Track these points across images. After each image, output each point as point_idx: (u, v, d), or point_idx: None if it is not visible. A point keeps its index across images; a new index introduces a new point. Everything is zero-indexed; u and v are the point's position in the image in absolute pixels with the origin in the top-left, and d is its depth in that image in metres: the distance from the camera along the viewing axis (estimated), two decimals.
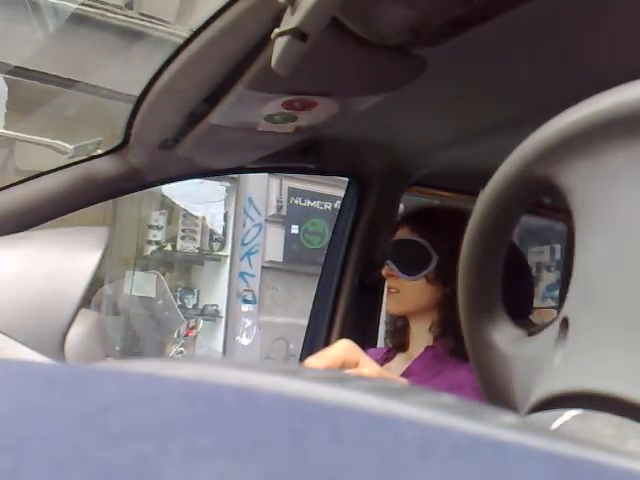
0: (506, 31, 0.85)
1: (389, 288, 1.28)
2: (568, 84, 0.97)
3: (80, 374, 0.20)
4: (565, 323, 0.38)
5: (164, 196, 6.35)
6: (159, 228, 6.25)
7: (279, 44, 0.66)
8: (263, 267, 6.23)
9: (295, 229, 6.21)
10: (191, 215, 6.32)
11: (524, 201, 0.44)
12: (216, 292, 6.38)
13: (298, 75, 0.73)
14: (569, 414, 0.34)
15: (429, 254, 1.22)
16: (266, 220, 6.31)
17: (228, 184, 6.29)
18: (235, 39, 0.85)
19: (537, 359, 0.41)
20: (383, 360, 1.33)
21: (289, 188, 6.11)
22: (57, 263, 0.62)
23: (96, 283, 6.62)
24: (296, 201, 6.19)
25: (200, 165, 1.35)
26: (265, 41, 0.78)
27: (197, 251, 6.28)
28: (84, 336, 0.65)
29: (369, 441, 0.15)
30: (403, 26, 0.79)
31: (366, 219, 1.58)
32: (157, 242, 6.28)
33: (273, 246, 6.27)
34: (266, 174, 5.88)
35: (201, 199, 6.34)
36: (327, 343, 1.55)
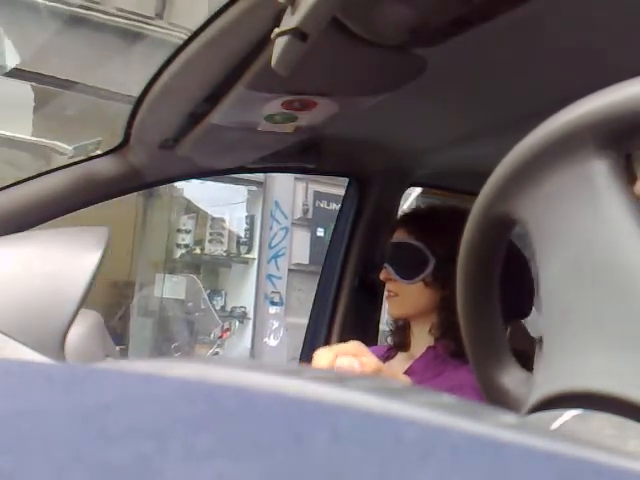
0: (506, 31, 0.85)
1: (388, 292, 1.27)
2: (568, 84, 0.97)
3: (80, 374, 0.20)
4: (540, 341, 0.41)
5: (189, 200, 6.51)
6: (187, 232, 6.43)
7: (279, 44, 0.66)
8: (290, 269, 6.34)
9: (321, 232, 6.30)
10: (219, 219, 6.48)
11: (499, 239, 0.45)
12: (243, 294, 6.53)
13: (298, 75, 0.73)
14: (569, 414, 0.34)
15: (426, 257, 1.21)
16: (292, 223, 6.44)
17: (254, 188, 6.46)
18: (235, 39, 0.85)
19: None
20: (384, 358, 1.33)
21: (315, 192, 6.22)
22: (57, 263, 0.62)
23: (129, 286, 6.74)
24: (321, 204, 6.30)
25: (200, 165, 1.35)
26: (265, 41, 0.78)
27: (225, 254, 6.43)
28: (84, 336, 0.65)
29: (369, 441, 0.15)
30: (403, 26, 0.79)
31: (366, 219, 1.58)
32: (186, 245, 6.45)
33: (299, 249, 6.38)
34: (292, 178, 6.07)
35: (223, 202, 6.49)
36: (327, 343, 1.55)
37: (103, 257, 0.60)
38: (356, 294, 1.58)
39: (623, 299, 0.34)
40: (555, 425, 0.34)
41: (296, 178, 6.08)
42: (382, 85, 0.98)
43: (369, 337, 1.60)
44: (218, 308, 6.27)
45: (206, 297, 6.12)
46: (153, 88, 1.03)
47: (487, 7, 0.76)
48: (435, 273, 1.20)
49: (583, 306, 0.37)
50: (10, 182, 1.22)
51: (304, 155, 1.44)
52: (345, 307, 1.58)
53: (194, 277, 6.30)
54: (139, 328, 6.51)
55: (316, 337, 1.60)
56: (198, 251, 6.38)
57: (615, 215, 0.35)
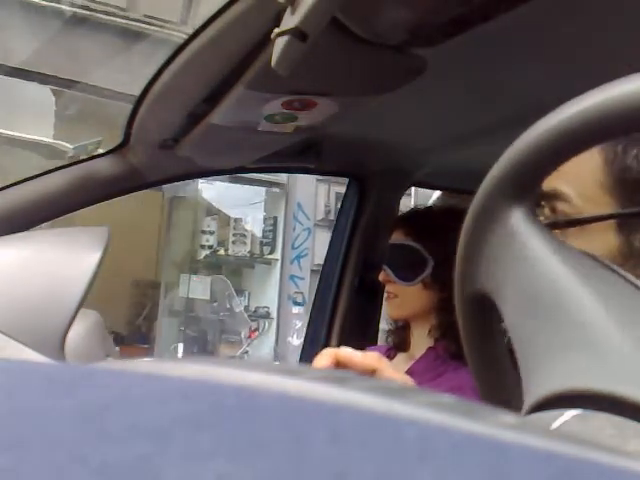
0: (506, 31, 0.85)
1: (387, 293, 1.27)
2: (568, 84, 0.97)
3: (80, 374, 0.20)
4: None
5: (212, 202, 6.68)
6: (211, 233, 6.58)
7: (279, 44, 0.66)
8: (312, 270, 6.42)
9: None
10: (241, 220, 6.64)
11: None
12: (267, 294, 6.66)
13: (298, 75, 0.73)
14: (569, 414, 0.34)
15: (424, 259, 1.21)
16: (315, 224, 6.57)
17: (277, 190, 6.60)
18: (235, 39, 0.85)
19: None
20: None
21: (337, 193, 6.30)
22: (57, 263, 0.62)
23: (154, 287, 6.95)
24: None
25: (200, 165, 1.35)
26: (265, 41, 0.78)
27: (248, 255, 6.57)
28: (84, 336, 0.65)
29: (369, 441, 0.15)
30: (403, 26, 0.79)
31: (366, 219, 1.58)
32: (210, 247, 6.58)
33: (322, 249, 6.50)
34: (314, 180, 6.19)
35: (246, 204, 6.66)
36: (327, 343, 1.55)
37: (103, 257, 0.60)
38: (356, 294, 1.58)
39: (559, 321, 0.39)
40: (555, 425, 0.34)
41: (318, 180, 6.26)
42: (382, 85, 0.98)
43: (369, 337, 1.60)
44: (240, 309, 6.44)
45: (236, 297, 6.28)
46: (153, 88, 1.03)
47: (487, 7, 0.76)
48: (434, 274, 1.20)
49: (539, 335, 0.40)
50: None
51: (304, 155, 1.43)
52: (345, 307, 1.58)
53: (223, 278, 6.46)
54: (165, 328, 6.69)
55: (316, 337, 1.60)
56: (222, 252, 6.53)
57: (537, 253, 0.40)
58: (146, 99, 1.07)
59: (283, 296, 6.51)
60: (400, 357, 1.31)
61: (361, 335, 1.59)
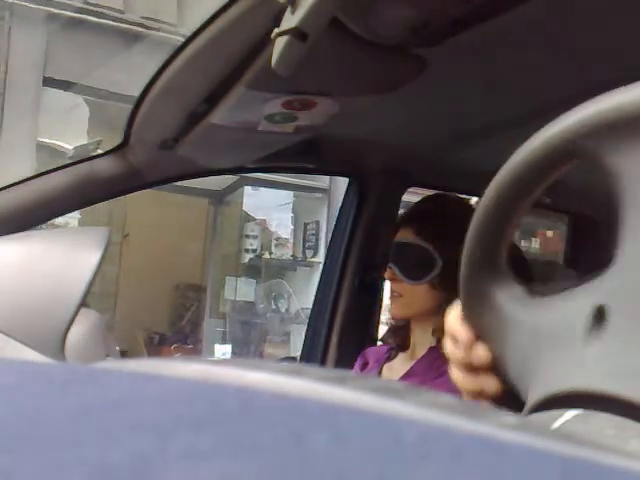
0: (506, 31, 0.85)
1: (392, 292, 1.25)
2: (568, 84, 0.97)
3: (80, 374, 0.20)
4: (601, 313, 0.37)
5: (256, 207, 6.99)
6: (254, 237, 6.86)
7: (279, 44, 0.66)
8: None
9: None
10: (284, 225, 6.87)
11: (555, 171, 0.42)
12: (309, 297, 6.84)
13: (298, 75, 0.73)
14: (570, 414, 0.34)
15: (434, 259, 1.19)
16: None
17: (320, 195, 6.80)
18: (235, 39, 0.85)
19: (542, 328, 0.41)
20: (385, 359, 1.32)
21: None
22: (57, 263, 0.62)
23: (200, 290, 7.26)
24: None
25: (200, 165, 1.35)
26: (265, 41, 0.78)
27: (292, 258, 6.75)
28: (84, 336, 0.65)
29: (369, 441, 0.15)
30: (403, 26, 0.79)
31: (366, 219, 1.58)
32: (253, 250, 6.85)
33: None
34: None
35: (288, 209, 6.95)
36: (327, 343, 1.55)
37: (103, 257, 0.60)
38: (356, 294, 1.58)
39: None
40: (556, 425, 0.34)
41: None
42: (382, 85, 0.98)
43: (369, 337, 1.60)
44: (283, 310, 6.67)
45: (294, 298, 6.54)
46: (153, 88, 1.03)
47: (487, 7, 0.76)
48: (442, 275, 1.18)
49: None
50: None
51: (304, 155, 1.43)
52: (345, 307, 1.58)
53: (282, 281, 6.78)
54: (211, 329, 6.94)
55: (316, 337, 1.60)
56: (267, 255, 6.77)
57: None
58: (146, 99, 1.07)
59: None
60: (401, 357, 1.30)
61: (361, 335, 1.59)
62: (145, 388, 0.18)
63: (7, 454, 0.13)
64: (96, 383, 0.19)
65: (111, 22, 5.58)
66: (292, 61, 0.68)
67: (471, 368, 0.49)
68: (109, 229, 0.66)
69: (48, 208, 1.22)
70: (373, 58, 0.86)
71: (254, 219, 6.88)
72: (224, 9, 0.81)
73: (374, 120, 1.28)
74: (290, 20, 0.63)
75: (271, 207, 6.86)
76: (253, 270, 6.92)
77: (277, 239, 6.75)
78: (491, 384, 0.48)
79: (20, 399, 0.17)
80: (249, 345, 6.68)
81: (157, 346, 6.90)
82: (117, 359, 0.88)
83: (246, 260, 6.82)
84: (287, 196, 6.76)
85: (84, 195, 1.26)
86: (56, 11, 5.44)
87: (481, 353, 0.48)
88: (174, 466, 0.13)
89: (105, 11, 5.55)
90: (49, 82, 5.51)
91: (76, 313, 0.58)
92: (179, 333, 7.22)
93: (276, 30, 0.65)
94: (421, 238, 1.21)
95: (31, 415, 0.16)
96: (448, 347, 0.53)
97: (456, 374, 0.52)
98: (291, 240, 6.74)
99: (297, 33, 0.63)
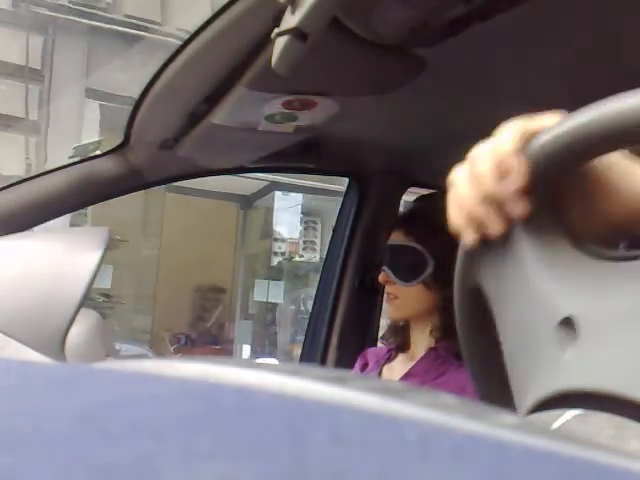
0: (506, 31, 0.85)
1: (388, 294, 1.26)
2: (568, 84, 0.97)
3: (80, 374, 0.20)
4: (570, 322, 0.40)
5: (282, 211, 7.30)
6: (283, 241, 7.14)
7: (279, 44, 0.66)
8: None
9: None
10: (312, 228, 7.08)
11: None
12: None
13: (298, 75, 0.73)
14: (569, 414, 0.34)
15: (425, 259, 1.20)
16: None
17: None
18: (235, 39, 0.85)
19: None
20: (385, 360, 1.32)
21: (405, 202, 6.40)
22: (57, 263, 0.62)
23: (230, 291, 7.65)
24: None
25: (200, 165, 1.35)
26: (265, 41, 0.78)
27: (319, 260, 6.91)
28: (84, 336, 0.65)
29: (369, 441, 0.15)
30: (403, 26, 0.79)
31: (366, 219, 1.58)
32: (282, 253, 7.10)
33: None
34: None
35: (315, 213, 7.17)
36: (327, 343, 1.55)
37: (103, 257, 0.60)
38: (356, 294, 1.58)
39: None
40: (556, 425, 0.34)
41: None
42: (382, 85, 0.98)
43: (369, 337, 1.60)
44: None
45: (310, 300, 6.81)
46: (153, 88, 1.03)
47: (487, 7, 0.76)
48: (435, 275, 1.19)
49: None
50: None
51: (304, 155, 1.43)
52: (345, 307, 1.58)
53: (304, 284, 7.02)
54: (241, 330, 7.26)
55: (316, 337, 1.60)
56: (297, 258, 7.01)
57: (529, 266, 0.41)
58: (146, 99, 1.07)
59: None
60: (401, 357, 1.30)
61: (361, 335, 1.59)
62: (145, 388, 0.18)
63: (8, 454, 0.13)
64: (96, 383, 0.19)
65: (150, 35, 5.71)
66: (292, 61, 0.68)
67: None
68: (109, 229, 0.66)
69: (48, 208, 1.22)
70: (373, 58, 0.86)
71: (283, 223, 7.19)
72: (224, 9, 0.81)
73: (374, 120, 1.28)
74: (290, 20, 0.63)
75: (300, 211, 7.07)
76: (281, 272, 7.13)
77: (305, 242, 6.94)
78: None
79: (20, 399, 0.17)
80: (276, 345, 6.86)
81: (185, 347, 7.12)
82: (117, 359, 0.88)
83: (275, 263, 7.10)
84: (315, 200, 6.92)
85: (84, 195, 1.26)
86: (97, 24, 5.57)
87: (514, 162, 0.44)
88: (174, 466, 0.13)
89: (146, 24, 5.67)
90: (90, 93, 5.64)
91: (76, 313, 0.58)
92: (207, 334, 7.42)
93: (276, 30, 0.65)
94: (411, 239, 1.22)
95: (31, 415, 0.16)
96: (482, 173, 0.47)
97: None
98: (319, 243, 6.89)
99: (297, 33, 0.63)
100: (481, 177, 0.46)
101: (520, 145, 0.44)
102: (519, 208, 0.43)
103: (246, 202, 7.47)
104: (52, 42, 5.81)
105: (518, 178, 0.43)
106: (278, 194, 6.98)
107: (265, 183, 6.75)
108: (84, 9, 5.76)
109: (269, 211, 7.28)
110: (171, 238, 6.99)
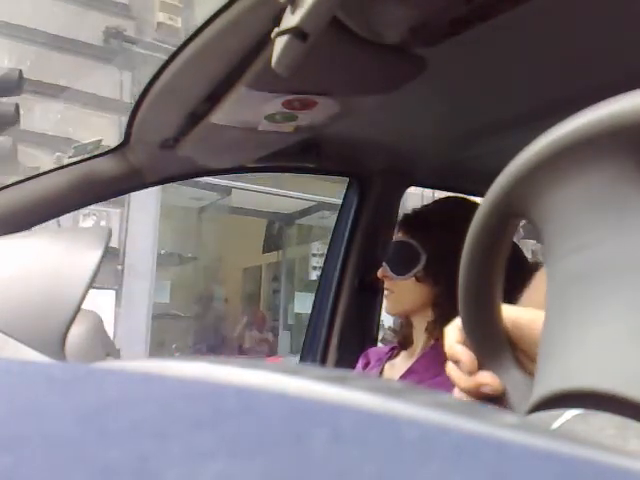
0: (506, 31, 0.85)
1: (385, 289, 1.30)
2: (568, 84, 0.97)
3: (80, 374, 0.20)
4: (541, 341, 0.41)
5: (318, 227, 7.93)
6: (321, 255, 7.57)
7: (279, 44, 0.66)
8: None
9: None
10: None
11: (507, 236, 0.44)
12: None
13: (298, 75, 0.73)
14: (570, 414, 0.34)
15: (417, 253, 1.24)
16: None
17: None
18: (235, 39, 0.85)
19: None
20: (387, 357, 1.34)
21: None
22: (57, 263, 0.61)
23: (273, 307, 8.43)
24: None
25: (200, 165, 1.35)
26: (265, 41, 0.78)
27: None
28: (84, 336, 0.65)
29: (369, 441, 0.15)
30: (403, 26, 0.79)
31: (366, 219, 1.58)
32: (320, 267, 7.50)
33: None
34: (418, 197, 6.66)
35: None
36: (327, 343, 1.55)
37: (103, 257, 0.60)
38: (356, 294, 1.58)
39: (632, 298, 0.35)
40: (556, 425, 0.34)
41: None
42: (382, 85, 0.98)
43: (369, 337, 1.61)
44: None
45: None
46: (153, 88, 1.03)
47: (487, 7, 0.76)
48: (426, 269, 1.23)
49: (585, 304, 0.37)
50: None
51: (304, 155, 1.44)
52: (345, 307, 1.58)
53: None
54: (283, 339, 7.91)
55: (316, 337, 1.60)
56: None
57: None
58: (146, 99, 1.07)
59: None
60: (403, 354, 1.32)
61: (361, 335, 1.59)
62: (145, 388, 0.18)
63: (7, 454, 0.13)
64: (96, 383, 0.19)
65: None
66: (292, 61, 0.68)
67: (478, 394, 0.51)
68: (110, 229, 0.66)
69: (48, 208, 1.22)
70: (373, 58, 0.86)
71: (319, 238, 7.72)
72: (224, 9, 0.80)
73: (374, 120, 1.28)
74: (290, 20, 0.63)
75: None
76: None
77: None
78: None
79: (20, 399, 0.17)
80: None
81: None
82: (117, 359, 0.88)
83: (313, 277, 7.56)
84: None
85: (84, 195, 1.26)
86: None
87: (489, 380, 0.49)
88: (174, 466, 0.13)
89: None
90: None
91: (76, 313, 0.58)
92: (259, 344, 8.06)
93: (276, 30, 0.65)
94: (407, 236, 1.27)
95: (31, 415, 0.16)
96: (452, 372, 0.56)
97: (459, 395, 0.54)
98: None
99: (297, 33, 0.63)
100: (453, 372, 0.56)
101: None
102: (487, 390, 0.49)
103: (286, 220, 8.12)
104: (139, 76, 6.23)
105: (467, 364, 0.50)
106: (324, 213, 7.51)
107: (312, 203, 7.43)
108: (168, 47, 6.00)
109: (310, 229, 7.93)
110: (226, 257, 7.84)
